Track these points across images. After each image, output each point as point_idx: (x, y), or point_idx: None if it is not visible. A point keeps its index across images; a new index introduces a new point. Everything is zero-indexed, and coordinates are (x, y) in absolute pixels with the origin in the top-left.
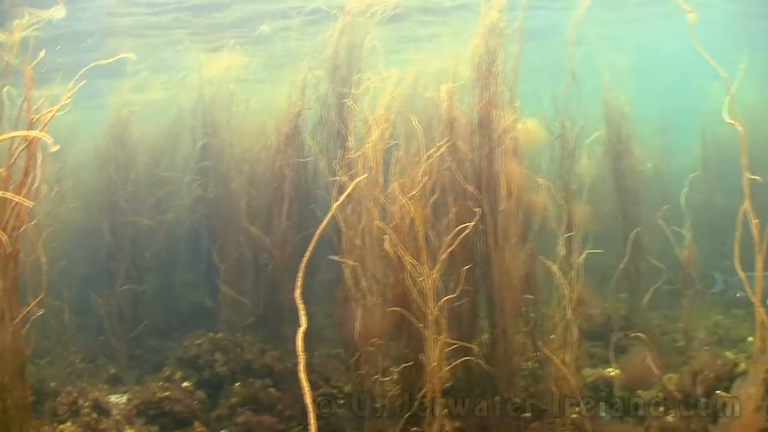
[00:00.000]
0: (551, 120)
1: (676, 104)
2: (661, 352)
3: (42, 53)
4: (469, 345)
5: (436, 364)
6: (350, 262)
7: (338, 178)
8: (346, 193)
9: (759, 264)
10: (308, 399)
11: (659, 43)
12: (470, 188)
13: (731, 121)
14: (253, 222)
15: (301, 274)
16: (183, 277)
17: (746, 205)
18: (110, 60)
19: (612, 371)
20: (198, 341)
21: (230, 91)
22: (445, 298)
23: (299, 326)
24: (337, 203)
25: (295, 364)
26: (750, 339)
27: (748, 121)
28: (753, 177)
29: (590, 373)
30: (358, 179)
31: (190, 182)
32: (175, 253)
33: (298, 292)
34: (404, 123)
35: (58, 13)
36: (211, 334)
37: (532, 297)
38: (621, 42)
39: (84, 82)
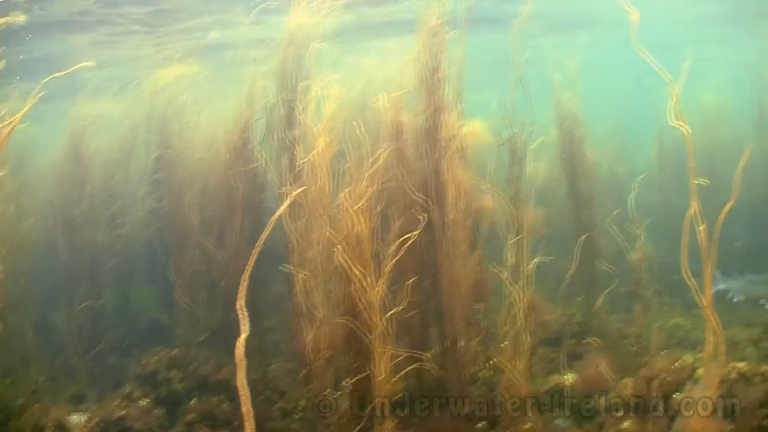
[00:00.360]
0: (500, 124)
1: (633, 105)
2: (619, 356)
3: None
4: (418, 355)
5: (384, 375)
6: (301, 274)
7: (287, 189)
8: (285, 204)
9: (707, 271)
10: (245, 407)
11: (613, 42)
12: (418, 197)
13: (676, 124)
14: (206, 235)
15: (244, 284)
16: (142, 292)
17: (693, 209)
18: (68, 71)
19: (569, 377)
20: (155, 358)
21: (182, 101)
22: (393, 311)
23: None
24: (277, 214)
25: (252, 380)
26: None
27: (707, 120)
28: (699, 181)
29: (547, 380)
30: (299, 189)
31: (144, 195)
32: (133, 268)
33: (240, 302)
34: (353, 132)
35: (19, 17)
36: (167, 351)
37: (482, 305)
38: (572, 40)
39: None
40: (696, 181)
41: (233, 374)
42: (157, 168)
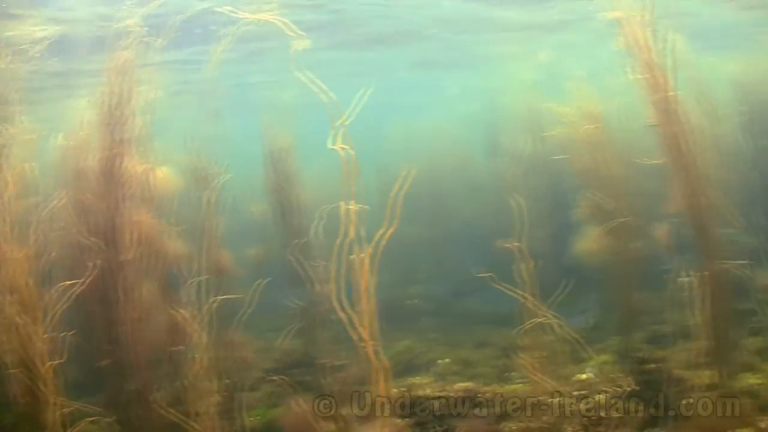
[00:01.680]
0: (191, 162)
1: (363, 138)
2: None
3: None
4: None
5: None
6: None
7: None
8: None
9: (365, 306)
10: None
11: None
12: (92, 240)
13: (337, 147)
14: None
15: None
16: None
17: (351, 235)
18: None
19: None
20: None
21: None
22: (54, 362)
23: None
24: None
25: None
26: (440, 361)
27: (432, 147)
28: (359, 207)
29: (258, 415)
30: None
31: None
32: None
33: None
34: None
35: None
36: None
37: (182, 347)
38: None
39: None
40: (353, 207)
41: None
42: None
